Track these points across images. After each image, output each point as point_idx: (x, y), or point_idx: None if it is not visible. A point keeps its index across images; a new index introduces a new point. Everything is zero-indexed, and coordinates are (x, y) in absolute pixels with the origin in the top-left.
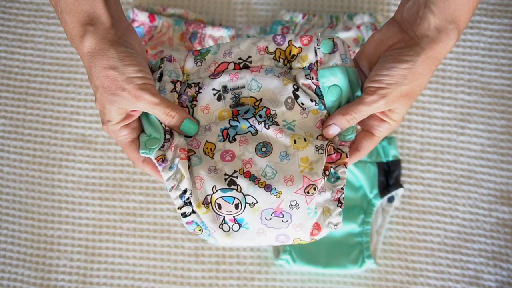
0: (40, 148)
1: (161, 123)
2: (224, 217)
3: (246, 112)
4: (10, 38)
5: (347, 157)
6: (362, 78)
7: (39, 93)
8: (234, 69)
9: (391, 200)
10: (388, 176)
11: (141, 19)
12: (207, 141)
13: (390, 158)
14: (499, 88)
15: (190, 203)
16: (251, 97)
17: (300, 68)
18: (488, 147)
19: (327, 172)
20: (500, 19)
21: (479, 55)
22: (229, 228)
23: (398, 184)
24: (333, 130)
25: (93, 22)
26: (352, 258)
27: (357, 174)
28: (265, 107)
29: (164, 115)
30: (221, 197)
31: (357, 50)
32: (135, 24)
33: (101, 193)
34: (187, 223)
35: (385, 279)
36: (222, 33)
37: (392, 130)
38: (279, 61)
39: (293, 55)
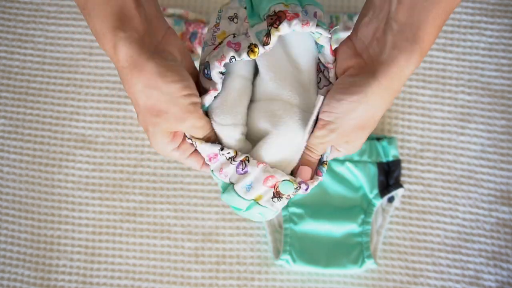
0: (40, 148)
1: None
2: None
3: None
4: (10, 38)
5: None
6: None
7: (39, 93)
8: None
9: (391, 200)
10: (388, 176)
11: None
12: None
13: (390, 158)
14: (499, 88)
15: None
16: None
17: None
18: (488, 147)
19: None
20: (500, 19)
21: (479, 55)
22: None
23: (398, 184)
24: (306, 172)
25: (125, 27)
26: (352, 258)
27: (357, 174)
28: None
29: (206, 135)
30: None
31: None
32: None
33: (101, 193)
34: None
35: (385, 279)
36: None
37: (344, 155)
38: None
39: None
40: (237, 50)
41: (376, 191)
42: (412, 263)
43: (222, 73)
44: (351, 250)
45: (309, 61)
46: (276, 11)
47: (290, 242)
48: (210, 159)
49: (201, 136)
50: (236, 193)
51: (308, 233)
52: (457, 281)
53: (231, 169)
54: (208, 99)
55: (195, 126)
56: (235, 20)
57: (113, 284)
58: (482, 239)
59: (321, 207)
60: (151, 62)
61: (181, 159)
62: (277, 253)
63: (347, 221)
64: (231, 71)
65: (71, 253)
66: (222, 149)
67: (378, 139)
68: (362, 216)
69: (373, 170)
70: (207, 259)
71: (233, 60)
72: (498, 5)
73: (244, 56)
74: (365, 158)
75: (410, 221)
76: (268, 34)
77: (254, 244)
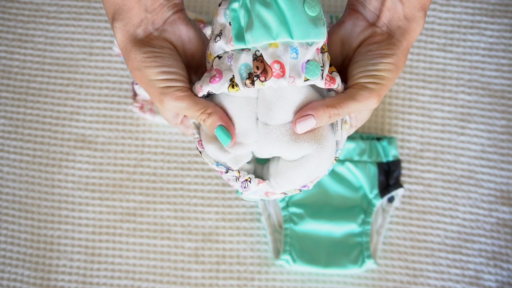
0: (40, 148)
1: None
2: None
3: None
4: (10, 38)
5: None
6: None
7: (39, 93)
8: None
9: (391, 200)
10: (388, 176)
11: None
12: None
13: (390, 158)
14: (499, 88)
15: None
16: None
17: None
18: (489, 147)
19: None
20: (501, 19)
21: (479, 55)
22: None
23: (398, 184)
24: (308, 124)
25: (121, 17)
26: (352, 258)
27: (357, 174)
28: None
29: (196, 116)
30: None
31: None
32: None
33: (101, 193)
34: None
35: (385, 279)
36: None
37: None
38: None
39: None
40: (217, 82)
41: (376, 191)
42: (412, 263)
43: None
44: (351, 250)
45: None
46: (262, 56)
47: (290, 242)
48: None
49: (194, 118)
50: (245, 198)
51: (308, 233)
52: (457, 281)
53: (237, 184)
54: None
55: (176, 107)
56: (217, 38)
57: (113, 284)
58: (482, 239)
59: (321, 207)
60: (135, 49)
61: (187, 133)
62: (277, 253)
63: (347, 221)
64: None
65: (71, 253)
66: (227, 171)
67: (378, 139)
68: (362, 216)
69: (373, 170)
70: (207, 259)
71: (212, 92)
72: (498, 5)
73: (224, 90)
74: (365, 158)
75: (410, 221)
76: (252, 81)
77: (254, 244)
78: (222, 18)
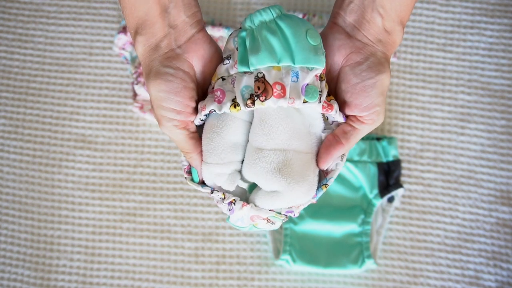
0: (40, 148)
1: None
2: None
3: None
4: (10, 38)
5: None
6: None
7: (39, 93)
8: None
9: (391, 200)
10: (388, 176)
11: None
12: None
13: (390, 158)
14: (499, 88)
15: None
16: None
17: None
18: (488, 147)
19: None
20: (500, 19)
21: (479, 55)
22: None
23: (398, 184)
24: (333, 160)
25: (144, 32)
26: (352, 258)
27: (357, 174)
28: None
29: (180, 150)
30: None
31: None
32: None
33: (101, 193)
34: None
35: (385, 279)
36: (222, 33)
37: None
38: None
39: None
40: (220, 102)
41: (376, 191)
42: (412, 263)
43: (205, 115)
44: (351, 250)
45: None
46: (264, 78)
47: (290, 242)
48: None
49: (188, 151)
50: (233, 225)
51: (308, 233)
52: (457, 281)
53: (224, 206)
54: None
55: (169, 134)
56: (226, 61)
57: (113, 284)
58: (482, 239)
59: (321, 207)
60: (153, 82)
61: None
62: (277, 253)
63: (347, 221)
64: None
65: (71, 253)
66: (212, 192)
67: (378, 139)
68: (362, 216)
69: (373, 170)
70: (207, 259)
71: (214, 111)
72: (498, 5)
73: (226, 109)
74: (365, 158)
75: (410, 221)
76: (253, 101)
77: (254, 244)
78: (231, 44)
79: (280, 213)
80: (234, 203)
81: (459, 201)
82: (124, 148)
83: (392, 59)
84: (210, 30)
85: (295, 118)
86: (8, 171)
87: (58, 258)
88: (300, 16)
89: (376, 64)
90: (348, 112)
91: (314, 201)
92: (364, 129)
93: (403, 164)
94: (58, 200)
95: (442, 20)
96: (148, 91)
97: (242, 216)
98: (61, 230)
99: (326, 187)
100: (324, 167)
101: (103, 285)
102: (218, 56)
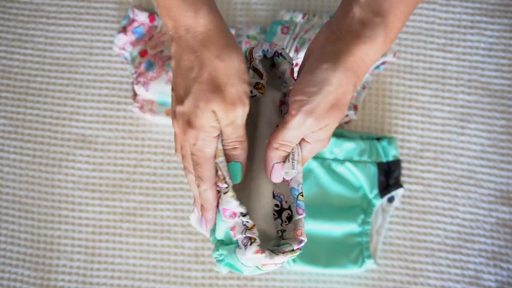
0: (40, 148)
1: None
2: None
3: None
4: (10, 38)
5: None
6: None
7: (39, 93)
8: None
9: (391, 200)
10: (388, 176)
11: (141, 19)
12: None
13: (390, 158)
14: (499, 88)
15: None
16: None
17: None
18: (488, 147)
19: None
20: (500, 19)
21: (479, 55)
22: None
23: (398, 184)
24: (278, 171)
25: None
26: (352, 258)
27: (357, 174)
28: None
29: (235, 138)
30: None
31: None
32: (135, 24)
33: (101, 193)
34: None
35: (385, 279)
36: None
37: (317, 152)
38: None
39: None
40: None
41: (376, 191)
42: (412, 263)
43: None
44: (351, 250)
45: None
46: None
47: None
48: (225, 212)
49: (233, 137)
50: (238, 259)
51: (308, 233)
52: (457, 281)
53: (240, 236)
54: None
55: (239, 117)
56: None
57: (113, 284)
58: (482, 239)
59: (321, 207)
60: (227, 35)
61: (211, 155)
62: None
63: (347, 221)
64: None
65: (71, 253)
66: (244, 215)
67: (378, 139)
68: (362, 216)
69: (373, 170)
70: (207, 259)
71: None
72: (498, 5)
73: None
74: (365, 158)
75: (410, 221)
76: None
77: None
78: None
79: (294, 250)
80: (252, 242)
81: (459, 201)
82: (124, 148)
83: (392, 59)
84: None
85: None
86: (8, 171)
87: (58, 258)
88: (300, 16)
89: (324, 60)
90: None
91: (301, 217)
92: (290, 125)
93: (403, 164)
94: (58, 200)
95: (442, 20)
96: (217, 68)
97: (252, 258)
98: (61, 230)
99: (302, 195)
100: (273, 178)
101: (103, 285)
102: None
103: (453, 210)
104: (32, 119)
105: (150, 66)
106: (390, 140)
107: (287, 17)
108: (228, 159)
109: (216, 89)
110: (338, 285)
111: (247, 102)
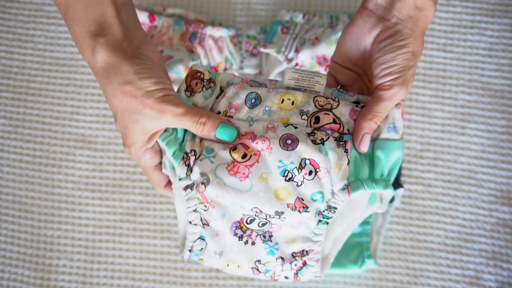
0: (40, 148)
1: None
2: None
3: None
4: (10, 38)
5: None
6: (341, 78)
7: (39, 93)
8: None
9: (391, 200)
10: None
11: (141, 19)
12: None
13: None
14: (499, 88)
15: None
16: None
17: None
18: (489, 147)
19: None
20: (501, 19)
21: (479, 55)
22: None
23: (398, 184)
24: (367, 141)
25: (104, 33)
26: (352, 258)
27: None
28: None
29: (194, 124)
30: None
31: None
32: None
33: (101, 193)
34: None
35: (385, 279)
36: (222, 33)
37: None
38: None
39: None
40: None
41: None
42: (412, 263)
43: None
44: (351, 250)
45: None
46: None
47: None
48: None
49: (191, 126)
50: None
51: None
52: (457, 281)
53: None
54: None
55: (176, 113)
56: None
57: (113, 284)
58: (482, 239)
59: None
60: (126, 62)
61: (149, 166)
62: None
63: None
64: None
65: (71, 253)
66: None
67: None
68: None
69: None
70: None
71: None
72: (498, 5)
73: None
74: None
75: (410, 221)
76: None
77: None
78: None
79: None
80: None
81: (459, 201)
82: (124, 148)
83: None
84: (210, 30)
85: None
86: (8, 171)
87: (58, 258)
88: (300, 16)
89: (400, 40)
90: (372, 82)
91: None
92: (386, 96)
93: (403, 164)
94: (58, 200)
95: (442, 20)
96: (121, 94)
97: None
98: (61, 230)
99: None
100: (361, 147)
101: (103, 285)
102: (162, 61)
103: (453, 210)
104: (32, 119)
105: None
106: None
107: (287, 17)
108: (212, 134)
109: (135, 110)
110: (338, 285)
111: (170, 99)
